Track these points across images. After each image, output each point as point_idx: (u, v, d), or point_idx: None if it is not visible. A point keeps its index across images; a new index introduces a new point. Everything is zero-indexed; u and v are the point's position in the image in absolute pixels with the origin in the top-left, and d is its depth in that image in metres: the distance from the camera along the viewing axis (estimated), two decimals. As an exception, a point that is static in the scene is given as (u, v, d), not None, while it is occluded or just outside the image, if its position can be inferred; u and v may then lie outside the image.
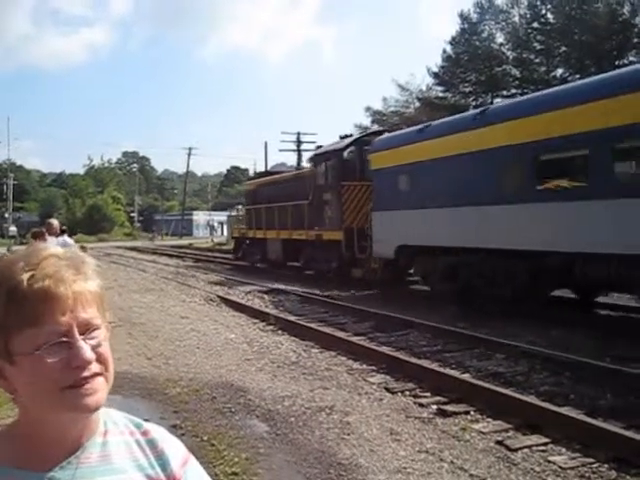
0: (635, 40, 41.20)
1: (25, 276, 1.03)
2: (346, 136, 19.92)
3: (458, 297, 12.76)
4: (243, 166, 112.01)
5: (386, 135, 17.13)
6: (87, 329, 1.05)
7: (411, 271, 16.14)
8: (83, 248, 11.80)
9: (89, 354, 1.04)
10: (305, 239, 20.35)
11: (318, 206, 19.44)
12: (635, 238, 8.80)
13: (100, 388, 1.05)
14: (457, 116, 14.65)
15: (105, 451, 1.11)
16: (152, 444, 1.17)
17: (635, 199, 8.89)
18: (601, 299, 12.51)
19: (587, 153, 10.01)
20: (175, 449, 1.19)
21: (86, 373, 1.03)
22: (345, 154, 18.78)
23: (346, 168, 18.45)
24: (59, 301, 1.02)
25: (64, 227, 13.52)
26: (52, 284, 1.03)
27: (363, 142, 18.42)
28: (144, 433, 1.19)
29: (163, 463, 1.15)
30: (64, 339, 1.02)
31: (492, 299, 11.81)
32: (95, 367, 1.05)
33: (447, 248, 13.00)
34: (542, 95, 11.77)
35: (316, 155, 20.82)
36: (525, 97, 12.97)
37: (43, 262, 1.05)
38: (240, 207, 30.86)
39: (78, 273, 1.07)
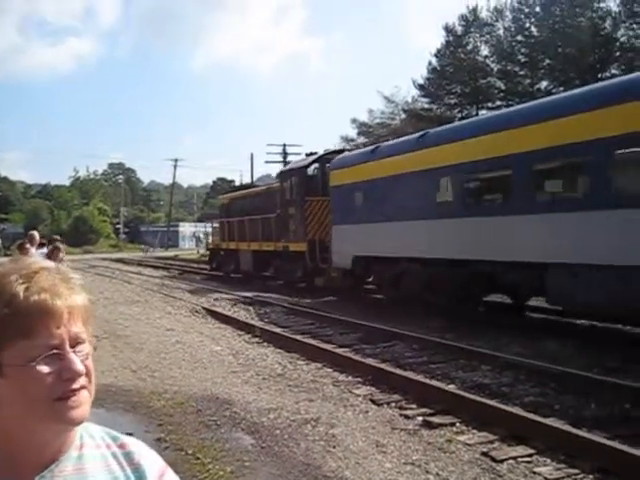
0: (617, 53, 41.73)
1: (20, 288, 1.03)
2: (311, 154, 21.23)
3: (405, 303, 14.03)
4: (229, 177, 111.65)
5: (344, 154, 18.78)
6: (76, 342, 1.07)
7: (370, 279, 17.37)
8: (57, 249, 11.75)
9: (80, 366, 1.05)
10: (274, 250, 21.71)
11: (285, 219, 20.78)
12: (547, 248, 10.21)
13: (86, 401, 1.06)
14: (403, 138, 16.06)
15: (80, 464, 1.10)
16: (129, 457, 1.17)
17: (552, 214, 10.22)
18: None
19: (510, 173, 11.28)
20: (152, 462, 1.19)
21: (75, 385, 1.04)
22: (309, 171, 20.19)
23: (310, 184, 19.82)
24: (55, 314, 1.04)
25: (43, 240, 13.62)
26: (49, 298, 1.04)
27: (326, 160, 19.58)
28: (121, 446, 1.19)
29: (139, 476, 1.15)
30: (55, 351, 1.03)
31: (433, 304, 13.10)
32: (82, 380, 1.06)
33: (395, 258, 14.46)
34: (472, 121, 13.64)
35: (283, 172, 22.74)
36: (458, 123, 14.80)
37: (36, 276, 1.06)
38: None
39: (70, 287, 1.09)
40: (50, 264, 1.14)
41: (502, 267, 11.22)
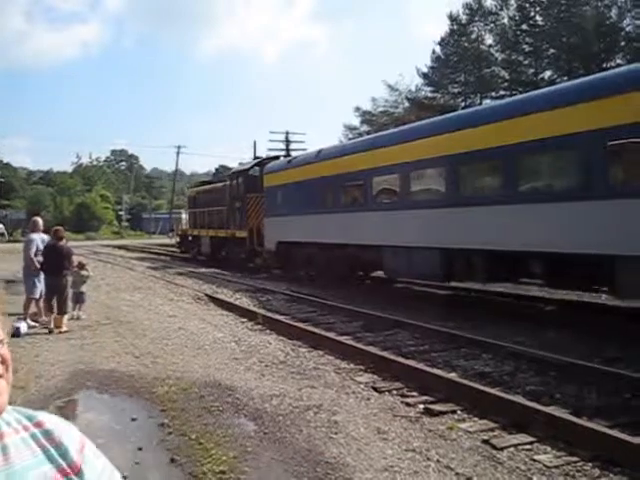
0: (622, 43, 41.52)
1: None
2: (256, 158, 26.77)
3: (316, 277, 18.73)
4: (232, 165, 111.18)
5: (273, 162, 23.62)
6: None
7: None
8: (57, 231, 11.80)
9: None
10: (225, 236, 26.85)
11: (232, 211, 25.89)
12: (381, 235, 15.05)
13: (3, 390, 1.04)
14: (307, 152, 22.10)
15: (5, 455, 1.09)
16: (48, 435, 1.16)
17: (383, 212, 15.27)
18: (586, 298, 12.67)
19: (362, 183, 16.18)
20: (71, 436, 1.19)
21: None
22: (251, 173, 24.88)
23: (251, 183, 24.34)
24: None
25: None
26: None
27: (264, 164, 24.18)
28: (38, 424, 1.18)
29: (63, 453, 1.15)
30: None
31: (331, 278, 17.62)
32: None
33: (304, 243, 19.07)
34: (345, 145, 20.05)
35: (232, 173, 27.77)
36: (339, 144, 20.95)
37: None
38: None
39: None
40: None
41: (362, 249, 15.97)
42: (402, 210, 14.34)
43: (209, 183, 35.02)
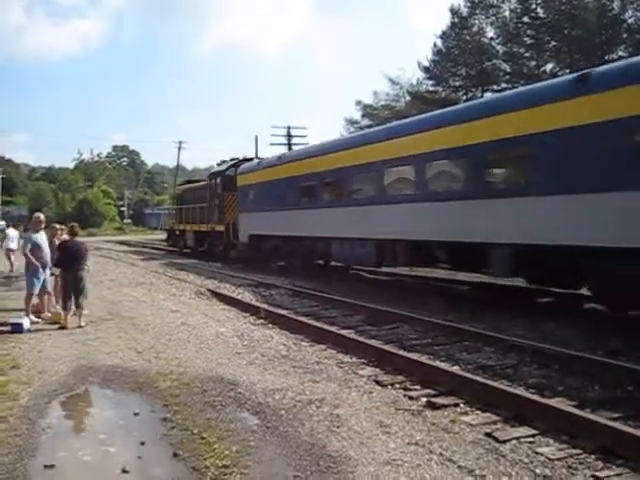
0: (624, 35, 41.33)
1: None
2: (232, 159, 29.14)
3: (283, 265, 21.58)
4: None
5: (246, 164, 26.26)
6: None
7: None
8: (73, 227, 12.20)
9: None
10: (206, 230, 29.81)
11: (212, 208, 28.81)
12: (331, 228, 17.57)
13: None
14: (272, 156, 25.11)
15: None
16: None
17: (330, 208, 17.88)
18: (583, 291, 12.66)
19: (314, 184, 18.77)
20: None
21: None
22: (227, 173, 27.64)
23: (227, 183, 27.12)
24: None
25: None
26: None
27: (239, 165, 26.83)
28: None
29: None
30: None
31: (292, 265, 20.65)
32: None
33: (271, 236, 21.94)
34: (300, 150, 22.53)
35: (211, 173, 31.15)
36: (295, 150, 22.91)
37: None
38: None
39: None
40: None
41: (316, 241, 18.56)
42: (345, 207, 17.04)
43: (196, 182, 37.65)
